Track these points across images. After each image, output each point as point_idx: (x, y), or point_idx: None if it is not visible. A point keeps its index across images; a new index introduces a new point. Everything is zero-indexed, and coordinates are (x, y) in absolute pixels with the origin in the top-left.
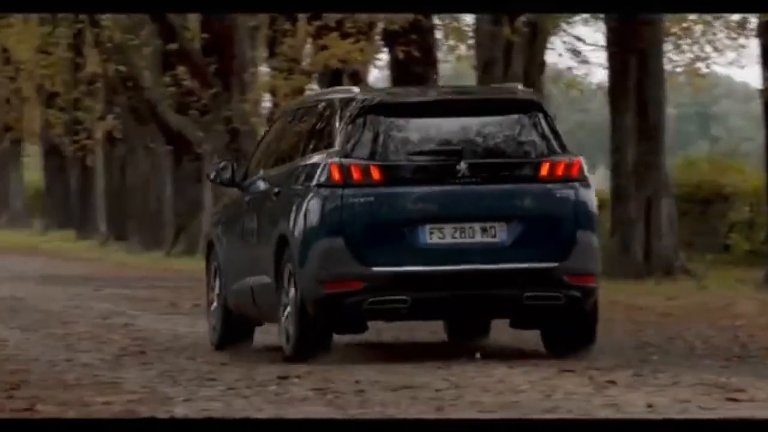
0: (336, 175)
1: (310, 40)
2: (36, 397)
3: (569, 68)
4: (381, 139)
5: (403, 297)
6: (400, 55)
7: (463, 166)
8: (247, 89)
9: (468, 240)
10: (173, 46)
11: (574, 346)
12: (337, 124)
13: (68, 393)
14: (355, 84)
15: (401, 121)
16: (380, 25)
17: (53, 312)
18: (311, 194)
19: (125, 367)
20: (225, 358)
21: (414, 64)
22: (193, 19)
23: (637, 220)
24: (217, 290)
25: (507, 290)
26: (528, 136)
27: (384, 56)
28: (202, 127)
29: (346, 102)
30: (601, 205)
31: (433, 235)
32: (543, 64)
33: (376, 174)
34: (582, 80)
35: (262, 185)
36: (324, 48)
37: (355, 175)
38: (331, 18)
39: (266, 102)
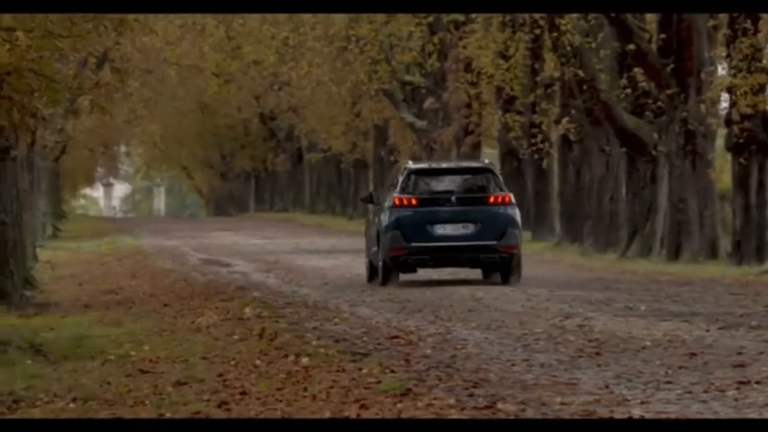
0: (396, 202)
1: None
2: (496, 396)
3: None
4: (417, 184)
5: (427, 257)
6: None
7: (453, 198)
8: (705, 89)
9: (456, 232)
10: (630, 47)
11: (509, 280)
12: (400, 178)
13: (527, 393)
14: None
15: (427, 177)
16: None
17: (510, 312)
18: (387, 210)
19: (582, 368)
20: (684, 361)
21: None
22: (651, 20)
23: None
24: (366, 253)
25: (473, 254)
26: (484, 183)
27: None
28: (658, 128)
29: (405, 168)
30: None
31: (440, 229)
32: None
33: (414, 201)
34: None
35: (378, 204)
36: None
37: (405, 202)
38: None
39: (724, 102)
